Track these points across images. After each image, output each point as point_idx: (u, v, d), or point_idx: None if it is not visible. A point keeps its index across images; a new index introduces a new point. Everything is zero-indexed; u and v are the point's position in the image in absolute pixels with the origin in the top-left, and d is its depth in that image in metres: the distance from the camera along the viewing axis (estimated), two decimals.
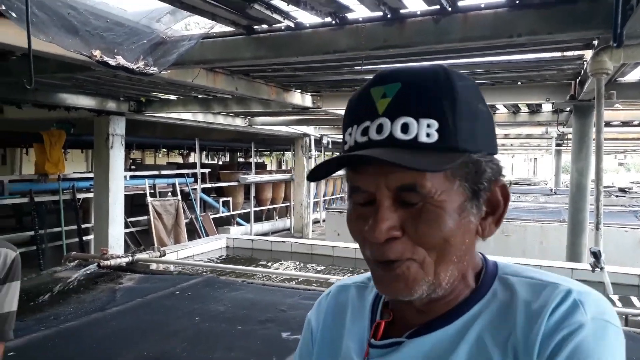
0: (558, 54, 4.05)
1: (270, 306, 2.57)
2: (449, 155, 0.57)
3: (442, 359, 0.62)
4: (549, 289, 0.60)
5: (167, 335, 2.21)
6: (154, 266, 3.69)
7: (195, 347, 2.10)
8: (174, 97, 6.78)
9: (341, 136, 0.66)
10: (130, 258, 3.47)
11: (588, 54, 3.69)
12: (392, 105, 0.59)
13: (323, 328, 0.78)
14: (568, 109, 6.86)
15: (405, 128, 0.57)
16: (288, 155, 18.68)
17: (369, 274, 0.75)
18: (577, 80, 5.05)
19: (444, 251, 0.60)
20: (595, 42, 3.43)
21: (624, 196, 11.61)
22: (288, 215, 12.77)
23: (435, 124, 0.57)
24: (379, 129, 0.59)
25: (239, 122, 8.90)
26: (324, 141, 11.46)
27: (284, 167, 20.02)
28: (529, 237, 6.56)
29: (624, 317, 2.57)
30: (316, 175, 0.62)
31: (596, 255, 2.49)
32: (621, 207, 9.23)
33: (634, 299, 2.91)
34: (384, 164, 0.56)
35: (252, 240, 5.42)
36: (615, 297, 2.96)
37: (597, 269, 2.58)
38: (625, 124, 9.07)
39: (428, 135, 0.57)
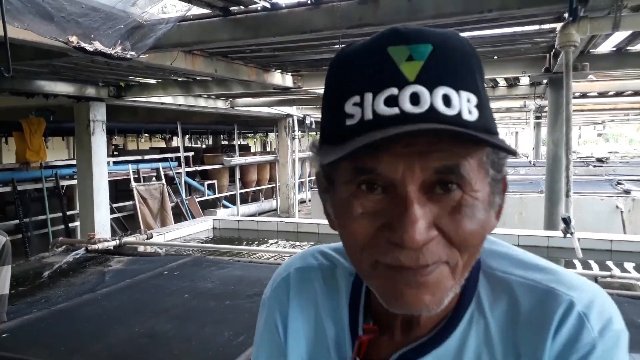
0: (532, 28, 4.14)
1: (257, 281, 2.66)
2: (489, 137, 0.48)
3: None
4: (548, 300, 0.54)
5: (157, 313, 2.29)
6: (141, 248, 3.76)
7: (185, 322, 2.19)
8: (153, 81, 6.75)
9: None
10: (118, 241, 3.53)
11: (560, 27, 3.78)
12: (426, 71, 0.47)
13: (294, 328, 0.67)
14: (545, 81, 6.99)
15: (447, 101, 0.47)
16: (272, 136, 18.66)
17: (327, 249, 0.70)
18: (552, 53, 5.15)
19: (474, 253, 0.52)
20: (566, 15, 3.52)
21: (602, 166, 11.89)
22: (274, 196, 12.84)
23: (474, 99, 0.48)
24: (415, 100, 0.47)
25: (220, 105, 8.89)
26: (307, 121, 11.48)
27: (268, 149, 20.02)
28: (509, 209, 6.70)
29: (594, 278, 2.71)
30: (355, 152, 0.47)
31: (566, 221, 2.61)
32: (598, 177, 9.47)
33: (603, 263, 3.07)
34: (458, 136, 0.46)
35: (239, 220, 5.50)
36: (591, 261, 3.12)
37: (567, 235, 2.71)
38: (602, 94, 9.25)
39: (470, 112, 0.48)
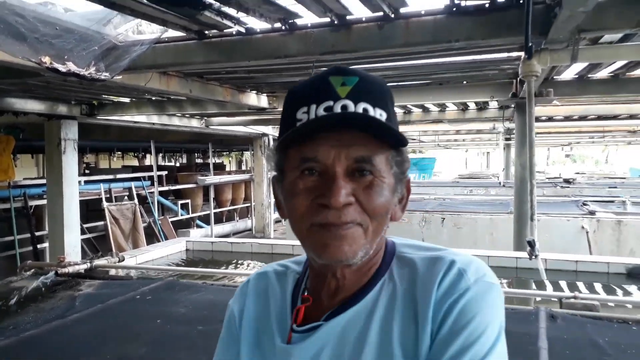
0: (497, 56, 4.30)
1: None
2: (397, 134, 0.69)
3: (356, 335, 0.71)
4: (437, 262, 0.71)
5: (128, 339, 2.26)
6: (113, 272, 3.70)
7: (157, 349, 2.17)
8: (127, 100, 6.71)
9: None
10: (89, 264, 3.47)
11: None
12: (353, 92, 0.69)
13: (247, 315, 0.82)
14: (513, 105, 7.23)
15: (366, 111, 0.69)
16: (247, 154, 18.63)
17: (284, 261, 0.87)
18: (518, 79, 5.35)
19: (381, 222, 0.70)
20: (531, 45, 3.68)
21: (568, 187, 12.24)
22: (249, 215, 12.78)
23: (384, 114, 0.70)
24: (344, 108, 0.68)
25: (195, 123, 8.87)
26: None
27: (244, 167, 19.95)
28: (480, 229, 6.87)
29: (559, 300, 2.80)
30: (290, 140, 0.69)
31: (531, 244, 2.71)
32: (564, 198, 9.76)
33: (562, 283, 3.17)
34: (371, 122, 0.67)
35: (212, 242, 5.47)
36: (562, 282, 3.21)
37: (533, 257, 2.80)
38: (567, 118, 9.59)
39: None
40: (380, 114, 0.69)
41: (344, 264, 0.70)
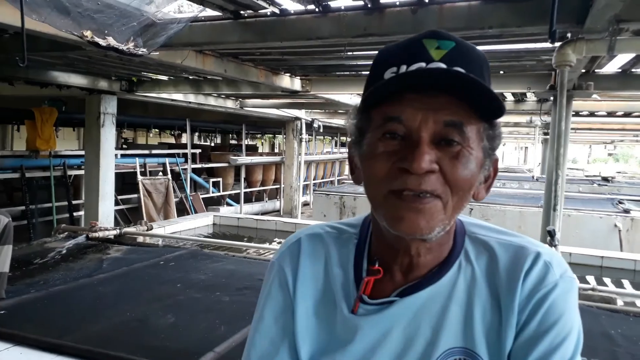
0: (535, 45, 4.20)
1: (248, 276, 2.75)
2: (495, 98, 0.63)
3: (433, 316, 0.68)
4: (521, 251, 0.68)
5: (149, 300, 2.38)
6: (141, 239, 3.86)
7: (175, 310, 2.28)
8: (165, 78, 6.87)
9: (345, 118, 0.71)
10: (119, 231, 3.63)
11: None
12: (447, 56, 0.63)
13: (302, 277, 0.76)
14: (550, 98, 7.04)
15: None
16: (280, 138, 18.79)
17: (332, 222, 0.81)
18: (557, 71, 5.21)
19: (462, 198, 0.65)
20: (569, 35, 3.59)
21: (606, 185, 11.85)
22: (278, 197, 12.93)
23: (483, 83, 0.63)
24: None
25: (229, 104, 9.00)
26: (315, 125, 11.57)
27: (276, 150, 20.13)
28: (508, 221, 6.77)
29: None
30: (376, 95, 0.64)
31: (551, 233, 2.68)
32: (600, 195, 9.47)
33: (590, 278, 3.13)
34: (463, 80, 0.61)
35: (239, 218, 5.59)
36: (589, 276, 3.16)
37: (552, 248, 2.77)
38: (610, 114, 9.26)
39: None
40: None
41: (418, 239, 0.66)
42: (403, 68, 0.64)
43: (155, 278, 2.70)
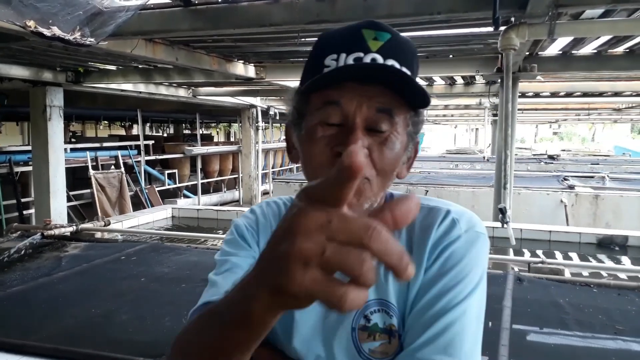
0: (482, 30, 4.34)
1: (212, 266, 2.74)
2: (421, 91, 0.70)
3: None
4: (434, 211, 0.77)
5: (113, 295, 2.36)
6: (98, 235, 3.78)
7: (141, 304, 2.26)
8: (113, 68, 6.66)
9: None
10: (75, 227, 3.54)
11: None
12: (384, 48, 0.70)
13: (261, 233, 0.82)
14: (498, 80, 7.29)
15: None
16: (235, 126, 18.57)
17: (286, 197, 0.88)
18: (502, 54, 5.40)
19: (387, 179, 0.72)
20: (512, 20, 3.73)
21: (552, 163, 12.43)
22: (237, 187, 12.83)
23: (409, 73, 0.70)
24: (373, 62, 0.69)
25: (182, 93, 8.82)
26: (271, 112, 11.51)
27: (232, 139, 19.90)
28: (462, 201, 7.00)
29: (527, 264, 2.94)
30: (319, 83, 0.69)
31: (502, 211, 2.82)
32: (547, 173, 9.93)
33: (539, 252, 3.32)
34: (395, 74, 0.68)
35: (198, 209, 5.54)
36: (539, 251, 3.35)
37: (504, 225, 2.92)
38: (553, 94, 9.68)
39: None
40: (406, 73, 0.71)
41: None
42: (342, 56, 0.70)
43: (117, 273, 2.67)
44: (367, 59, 0.70)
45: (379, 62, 0.69)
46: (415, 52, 0.75)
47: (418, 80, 0.74)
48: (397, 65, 0.70)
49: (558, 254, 4.17)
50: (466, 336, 0.70)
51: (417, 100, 0.72)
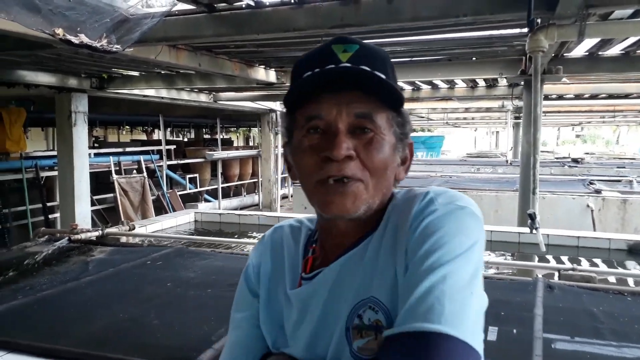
0: (507, 32, 4.28)
1: (237, 271, 2.73)
2: (394, 91, 0.74)
3: (349, 275, 0.77)
4: (414, 194, 0.77)
5: (140, 300, 2.37)
6: (123, 240, 3.81)
7: (168, 309, 2.27)
8: (136, 74, 6.75)
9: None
10: (101, 232, 3.58)
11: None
12: (354, 57, 0.74)
13: (264, 268, 0.89)
14: (522, 83, 7.18)
15: None
16: (255, 131, 18.66)
17: (300, 217, 0.95)
18: (527, 56, 5.31)
19: (380, 178, 0.75)
20: (539, 21, 3.67)
21: (576, 166, 12.20)
22: (256, 191, 12.88)
23: (384, 77, 0.74)
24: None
25: (203, 98, 8.90)
26: None
27: (251, 144, 19.99)
28: (485, 206, 6.91)
29: (557, 271, 2.87)
30: (293, 96, 0.75)
31: (531, 217, 2.76)
32: (571, 177, 9.74)
33: (564, 258, 3.24)
34: (364, 75, 0.72)
35: (220, 214, 5.56)
36: (549, 256, 3.29)
37: (533, 231, 2.86)
38: (577, 97, 9.51)
39: None
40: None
41: (346, 219, 0.76)
42: (316, 72, 0.74)
43: (143, 278, 2.68)
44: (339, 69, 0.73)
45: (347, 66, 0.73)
46: (386, 57, 0.78)
47: (400, 83, 0.78)
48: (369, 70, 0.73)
49: (584, 261, 4.07)
50: (447, 301, 0.63)
51: (392, 100, 0.75)
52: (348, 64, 0.74)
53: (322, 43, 0.78)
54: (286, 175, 14.15)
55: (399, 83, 0.81)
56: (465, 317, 0.63)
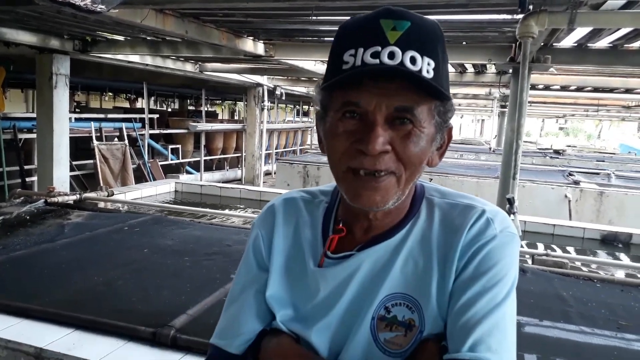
0: (499, 17, 4.27)
1: (216, 242, 2.74)
2: (439, 91, 0.70)
3: (383, 266, 0.77)
4: (468, 209, 0.76)
5: (116, 265, 2.35)
6: (101, 205, 3.76)
7: (144, 274, 2.26)
8: (121, 38, 6.58)
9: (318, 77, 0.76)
10: (78, 196, 3.52)
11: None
12: (402, 39, 0.68)
13: (277, 240, 0.84)
14: (510, 71, 7.20)
15: (413, 60, 0.68)
16: (240, 105, 18.47)
17: (309, 189, 0.91)
18: (517, 43, 5.32)
19: (415, 171, 0.73)
20: (531, 7, 3.66)
21: (557, 157, 12.37)
22: (239, 165, 12.81)
23: (432, 63, 0.69)
24: (391, 56, 0.67)
25: (189, 68, 8.74)
26: (278, 92, 11.42)
27: (236, 118, 19.81)
28: (465, 191, 6.93)
29: (531, 256, 2.93)
30: (336, 85, 0.70)
31: (510, 201, 2.80)
32: (552, 167, 9.89)
33: (540, 245, 3.31)
34: (412, 78, 0.67)
35: (202, 185, 5.53)
36: (524, 242, 3.35)
37: (511, 215, 2.90)
38: (564, 88, 9.59)
39: (427, 71, 0.69)
40: (428, 63, 0.69)
41: (374, 211, 0.75)
42: (360, 51, 0.68)
43: (120, 243, 2.66)
44: (385, 53, 0.68)
45: (397, 58, 0.67)
46: (439, 36, 0.72)
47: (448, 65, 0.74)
48: (417, 57, 0.68)
49: (558, 248, 4.16)
50: (509, 338, 0.71)
51: (437, 93, 0.71)
52: (395, 47, 0.67)
53: (369, 13, 0.71)
54: (270, 151, 14.08)
55: None
56: (513, 350, 0.72)
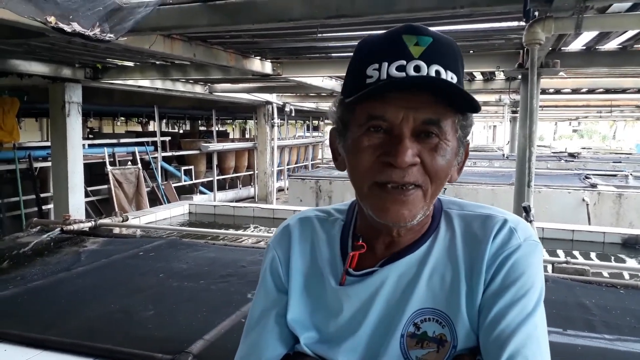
0: (504, 24, 4.26)
1: (231, 263, 2.74)
2: (473, 101, 0.70)
3: (409, 281, 0.76)
4: (489, 220, 0.76)
5: (132, 291, 2.35)
6: (117, 231, 3.79)
7: (160, 299, 2.25)
8: (130, 64, 6.69)
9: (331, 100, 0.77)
10: (93, 223, 3.55)
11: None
12: (426, 53, 0.68)
13: (294, 260, 0.83)
14: (519, 76, 7.16)
15: (438, 74, 0.68)
16: (251, 123, 18.60)
17: (322, 207, 0.90)
18: (524, 49, 5.29)
19: (439, 185, 0.72)
20: (536, 14, 3.64)
21: (573, 161, 12.21)
22: (252, 183, 12.85)
23: (455, 78, 0.70)
24: (417, 69, 0.67)
25: (198, 89, 8.85)
26: (287, 109, 11.49)
27: (247, 136, 19.94)
28: (481, 200, 6.91)
29: (551, 264, 2.87)
30: (362, 96, 0.68)
31: (526, 209, 2.76)
32: (568, 171, 9.75)
33: (559, 252, 3.24)
34: (441, 86, 0.67)
35: (215, 205, 5.54)
36: (543, 249, 3.30)
37: (528, 223, 2.85)
38: (575, 91, 9.50)
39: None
40: (451, 77, 0.69)
41: (401, 227, 0.74)
42: (384, 65, 0.68)
43: (135, 269, 2.66)
44: (410, 66, 0.67)
45: (422, 71, 0.67)
46: (458, 52, 0.73)
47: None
48: (442, 71, 0.68)
49: (578, 254, 4.08)
50: (543, 348, 0.71)
51: (465, 106, 0.71)
52: (420, 61, 0.67)
53: (390, 30, 0.72)
54: (282, 168, 14.12)
55: None
56: (548, 358, 0.73)
